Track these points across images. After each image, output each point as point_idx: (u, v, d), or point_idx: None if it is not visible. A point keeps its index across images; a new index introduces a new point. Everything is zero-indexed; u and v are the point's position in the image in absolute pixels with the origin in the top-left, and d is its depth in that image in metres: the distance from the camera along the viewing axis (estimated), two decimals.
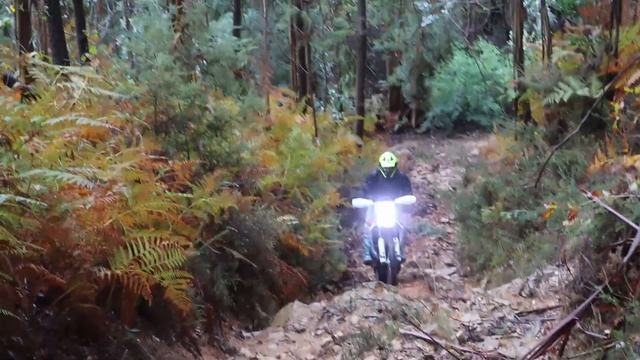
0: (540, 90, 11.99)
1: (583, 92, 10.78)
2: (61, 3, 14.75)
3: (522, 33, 14.81)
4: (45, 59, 9.31)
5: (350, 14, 26.98)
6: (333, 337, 7.19)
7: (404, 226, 12.66)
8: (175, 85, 8.56)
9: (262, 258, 9.00)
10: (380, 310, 7.85)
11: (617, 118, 8.01)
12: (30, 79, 8.00)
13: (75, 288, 4.74)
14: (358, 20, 21.94)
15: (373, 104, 29.97)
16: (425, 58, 26.56)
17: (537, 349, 4.92)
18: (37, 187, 4.86)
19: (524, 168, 11.84)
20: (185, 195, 7.02)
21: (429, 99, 26.89)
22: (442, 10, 25.78)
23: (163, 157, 7.39)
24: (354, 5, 24.84)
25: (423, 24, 25.17)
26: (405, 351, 6.22)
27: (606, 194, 5.47)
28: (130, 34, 14.82)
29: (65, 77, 7.36)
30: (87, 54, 10.41)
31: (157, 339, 6.09)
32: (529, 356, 4.92)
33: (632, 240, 4.68)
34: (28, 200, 4.32)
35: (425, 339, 6.39)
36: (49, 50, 11.45)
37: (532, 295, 7.85)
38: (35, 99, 6.85)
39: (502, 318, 7.12)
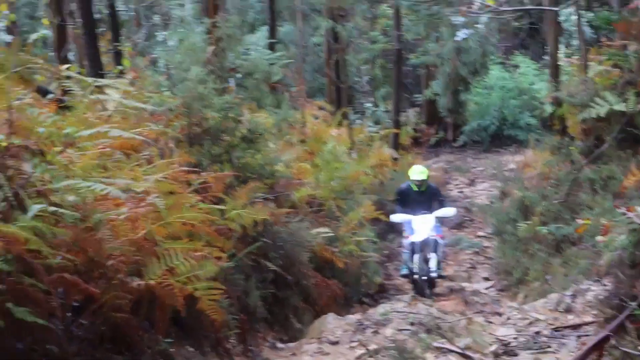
0: (577, 105, 11.88)
1: (620, 107, 10.63)
2: (97, 16, 14.89)
3: (557, 48, 14.77)
4: (79, 72, 9.41)
5: (386, 28, 26.96)
6: (367, 350, 7.15)
7: (443, 243, 12.37)
8: (209, 97, 8.61)
9: (297, 270, 9.00)
10: (413, 324, 7.81)
11: None
12: (65, 91, 8.08)
13: (109, 298, 4.76)
14: (394, 34, 21.96)
15: (409, 117, 29.88)
16: (461, 72, 26.40)
17: None
18: (71, 197, 4.90)
19: (560, 183, 11.73)
20: (218, 207, 7.03)
21: (465, 112, 26.72)
22: (477, 25, 25.65)
23: (197, 169, 7.43)
24: (389, 19, 24.81)
25: (457, 38, 25.03)
26: None
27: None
28: (166, 47, 14.95)
29: (100, 90, 7.43)
30: (120, 67, 10.50)
31: (191, 349, 6.11)
32: None
33: None
34: (61, 210, 4.35)
35: (459, 353, 6.34)
36: (85, 62, 11.58)
37: (568, 310, 7.78)
38: (70, 110, 6.92)
39: (537, 333, 7.05)
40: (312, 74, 28.60)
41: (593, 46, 15.24)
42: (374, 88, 30.84)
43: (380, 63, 30.17)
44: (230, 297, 6.96)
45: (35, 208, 4.13)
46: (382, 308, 8.69)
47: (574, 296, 7.92)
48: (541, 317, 7.63)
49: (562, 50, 19.96)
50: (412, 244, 11.72)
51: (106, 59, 14.16)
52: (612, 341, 4.69)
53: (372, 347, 7.23)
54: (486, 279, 13.52)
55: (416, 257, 11.57)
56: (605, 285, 5.93)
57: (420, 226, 11.74)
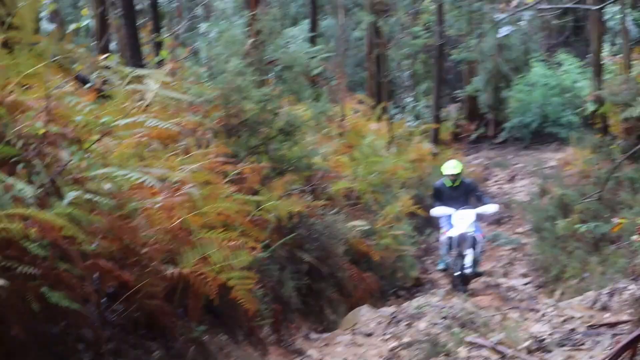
0: (619, 104, 11.79)
1: None
2: (139, 7, 15.04)
3: (601, 46, 14.64)
4: (117, 61, 9.51)
5: (428, 24, 26.84)
6: (400, 342, 7.16)
7: (482, 238, 12.11)
8: (247, 89, 8.65)
9: (332, 262, 9.03)
10: (444, 317, 7.79)
11: None
12: (104, 81, 8.17)
13: (143, 285, 4.81)
14: (436, 30, 21.88)
15: (450, 113, 29.80)
16: (502, 69, 26.25)
17: None
18: (107, 185, 4.96)
19: (599, 181, 11.62)
20: (254, 198, 7.07)
21: (506, 109, 26.53)
22: (520, 22, 25.49)
23: (233, 160, 7.47)
24: (432, 14, 24.71)
25: (499, 35, 24.87)
26: (471, 359, 6.17)
27: None
28: (206, 39, 15.05)
29: (138, 80, 7.50)
30: (158, 58, 10.59)
31: (225, 338, 6.16)
32: None
33: None
34: (97, 198, 4.40)
35: (491, 348, 6.33)
36: (126, 52, 11.70)
37: (604, 308, 7.73)
38: (108, 100, 6.99)
39: (572, 330, 7.01)
40: (353, 68, 28.64)
41: (637, 45, 15.10)
42: (415, 83, 30.75)
43: (422, 58, 30.07)
44: (265, 287, 7.02)
45: (71, 195, 4.18)
46: (417, 302, 8.67)
47: (610, 294, 7.85)
48: (577, 314, 7.58)
49: (606, 48, 19.79)
50: (449, 238, 11.60)
51: (147, 50, 14.31)
52: None
53: (405, 339, 7.23)
54: (524, 275, 13.42)
55: (452, 252, 11.50)
56: None
57: (459, 221, 11.56)
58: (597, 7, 13.56)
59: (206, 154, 7.04)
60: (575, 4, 17.22)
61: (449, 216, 11.78)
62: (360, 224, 10.32)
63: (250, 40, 9.97)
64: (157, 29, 12.69)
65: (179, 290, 5.31)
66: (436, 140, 21.93)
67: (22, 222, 3.67)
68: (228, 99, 8.62)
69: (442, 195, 12.12)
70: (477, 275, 11.77)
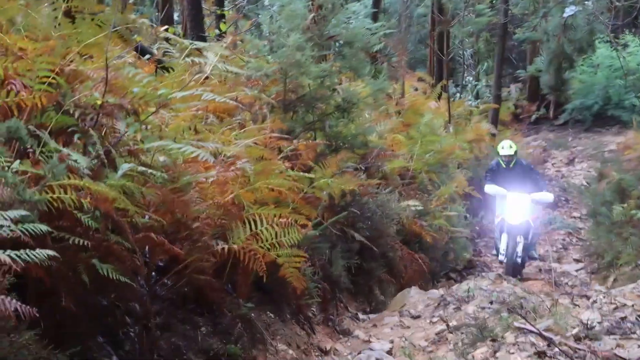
0: None
1: None
2: None
3: None
4: (175, 33, 9.52)
5: (493, 2, 26.51)
6: (447, 326, 7.12)
7: (536, 224, 11.80)
8: (306, 65, 8.60)
9: (384, 242, 8.99)
10: (495, 302, 7.72)
11: None
12: (164, 52, 8.20)
13: (193, 259, 4.83)
14: (500, 8, 21.59)
15: (511, 93, 29.53)
16: (566, 49, 25.83)
17: None
18: (162, 158, 4.98)
19: None
20: (307, 175, 7.05)
21: (568, 90, 26.15)
22: (586, 2, 25.05)
23: (288, 136, 7.46)
24: None
25: (565, 15, 24.47)
26: (518, 345, 6.09)
27: None
28: (269, 12, 15.04)
29: (198, 52, 7.51)
30: (217, 30, 10.59)
31: (272, 315, 6.18)
32: None
33: None
34: (150, 170, 4.41)
35: (539, 334, 6.25)
36: (188, 24, 11.71)
37: None
38: (168, 71, 7.02)
39: (623, 318, 6.88)
40: (415, 45, 28.47)
41: None
42: (477, 62, 30.49)
43: (485, 37, 29.80)
44: (314, 266, 7.02)
45: (125, 167, 4.19)
46: (466, 285, 8.61)
47: None
48: (629, 302, 7.44)
49: None
50: (502, 223, 11.35)
51: (210, 22, 14.34)
52: None
53: (453, 323, 7.18)
54: (577, 260, 13.26)
55: (504, 238, 11.20)
56: None
57: (514, 206, 11.19)
58: None
59: (261, 129, 7.04)
60: None
61: (503, 198, 11.45)
62: (413, 204, 10.25)
63: (311, 15, 9.90)
64: (220, 1, 12.69)
65: (228, 266, 5.32)
66: (496, 120, 21.72)
67: (76, 193, 3.69)
68: (286, 74, 8.58)
69: (497, 176, 11.77)
70: (531, 259, 11.60)
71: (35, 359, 3.30)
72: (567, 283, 11.11)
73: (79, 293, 3.75)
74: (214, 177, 5.25)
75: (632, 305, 7.26)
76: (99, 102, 4.62)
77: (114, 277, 3.85)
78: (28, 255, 2.98)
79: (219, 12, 12.65)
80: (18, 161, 3.64)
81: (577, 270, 12.38)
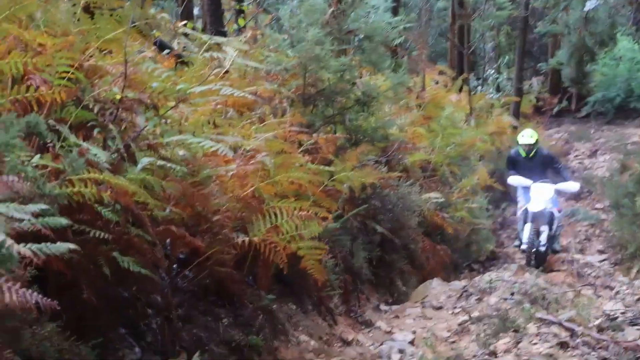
0: None
1: None
2: None
3: None
4: (193, 28, 9.56)
5: None
6: (470, 317, 7.12)
7: (560, 216, 11.49)
8: (325, 59, 8.61)
9: (405, 233, 9.01)
10: (516, 293, 7.71)
11: None
12: (184, 47, 8.24)
13: (214, 252, 4.85)
14: (521, 1, 21.52)
15: (533, 86, 29.44)
16: (587, 42, 25.71)
17: None
18: (181, 152, 5.01)
19: None
20: (327, 168, 7.06)
21: (590, 83, 26.01)
22: None
23: (308, 130, 7.47)
24: None
25: (586, 8, 24.35)
26: (540, 335, 6.08)
27: None
28: (289, 6, 15.06)
29: (217, 47, 7.55)
30: (235, 26, 10.61)
31: (293, 307, 6.20)
32: None
33: None
34: (170, 164, 4.44)
35: (561, 325, 6.24)
36: (207, 19, 11.73)
37: None
38: (188, 66, 7.05)
39: None
40: (436, 39, 28.43)
41: None
42: (498, 55, 30.40)
43: (506, 30, 29.70)
44: (336, 258, 7.03)
45: (144, 161, 4.22)
46: (488, 276, 8.62)
47: None
48: None
49: None
50: (525, 212, 11.09)
51: (230, 16, 14.38)
52: None
53: (475, 314, 7.18)
54: (600, 251, 13.19)
55: (527, 227, 10.89)
56: None
57: (537, 195, 10.93)
58: None
59: (281, 123, 7.06)
60: None
61: (527, 188, 11.23)
62: (435, 196, 10.26)
63: (331, 10, 9.92)
64: None
65: (249, 258, 5.34)
66: (517, 113, 21.65)
67: (96, 187, 3.72)
68: (306, 68, 8.59)
69: (517, 165, 11.50)
70: (553, 252, 11.37)
71: (57, 351, 3.33)
72: (590, 274, 11.04)
73: (100, 285, 3.78)
74: (234, 171, 5.28)
75: None
76: (118, 97, 4.65)
77: (135, 270, 3.88)
78: (49, 249, 3.00)
79: (237, 7, 12.69)
80: (38, 155, 3.68)
81: (600, 262, 12.31)
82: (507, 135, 18.52)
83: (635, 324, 6.39)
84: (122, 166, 4.25)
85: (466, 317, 7.17)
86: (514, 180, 11.31)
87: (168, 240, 4.71)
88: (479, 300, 7.78)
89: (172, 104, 5.06)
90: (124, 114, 4.75)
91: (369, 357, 6.34)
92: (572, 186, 11.29)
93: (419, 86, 16.95)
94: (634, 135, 20.84)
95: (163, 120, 5.07)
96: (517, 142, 11.66)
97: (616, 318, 6.56)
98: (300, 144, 7.10)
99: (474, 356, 6.09)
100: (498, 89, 26.51)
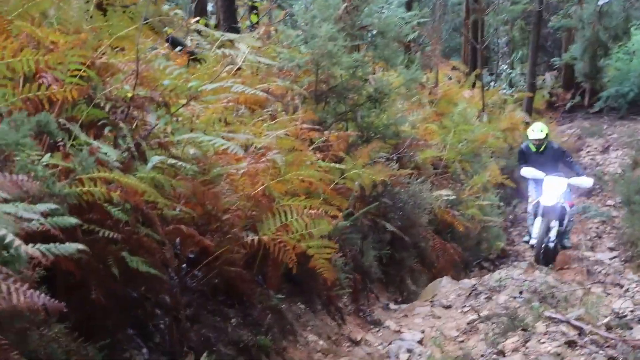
0: None
1: None
2: None
3: None
4: (207, 24, 9.54)
5: None
6: (479, 316, 7.11)
7: (572, 212, 11.25)
8: (338, 55, 8.59)
9: (415, 231, 9.00)
10: (526, 292, 7.69)
11: None
12: (197, 44, 8.23)
13: (224, 251, 4.84)
14: None
15: (546, 81, 29.34)
16: (601, 37, 25.60)
17: None
18: (192, 150, 5.00)
19: None
20: (338, 165, 7.04)
21: (603, 78, 25.91)
22: None
23: (320, 127, 7.46)
24: None
25: (600, 2, 24.25)
26: (549, 334, 6.07)
27: None
28: (303, 2, 15.04)
29: (230, 43, 7.53)
30: (249, 22, 10.59)
31: (302, 306, 6.19)
32: None
33: None
34: (180, 163, 4.43)
35: (570, 323, 6.22)
36: (221, 15, 11.72)
37: None
38: (200, 63, 7.04)
39: None
40: (450, 34, 28.37)
41: None
42: (512, 50, 30.31)
43: (520, 25, 29.60)
44: (345, 256, 7.02)
45: (154, 160, 4.21)
46: (498, 274, 8.60)
47: None
48: None
49: None
50: (537, 205, 10.93)
51: (244, 12, 14.36)
52: None
53: (484, 313, 7.18)
54: (611, 249, 13.15)
55: (538, 221, 10.75)
56: None
57: (550, 189, 10.72)
58: None
59: (293, 120, 7.05)
60: None
61: (538, 182, 11.05)
62: (446, 194, 10.24)
63: (344, 5, 9.88)
64: None
65: (258, 257, 5.34)
66: (530, 108, 21.62)
67: (106, 186, 3.72)
68: (318, 65, 8.57)
69: (528, 160, 11.30)
70: (563, 248, 11.24)
71: (65, 352, 3.33)
72: (600, 272, 10.98)
73: (109, 285, 3.77)
74: (245, 169, 5.27)
75: None
76: (129, 95, 4.65)
77: (144, 270, 3.87)
78: (57, 249, 3.00)
79: (250, 3, 12.67)
80: (48, 154, 3.67)
81: (610, 259, 12.27)
82: (519, 131, 18.45)
83: None
84: (133, 165, 4.24)
85: (475, 316, 7.16)
86: (527, 172, 11.05)
87: (178, 240, 4.70)
88: (488, 298, 7.77)
89: (184, 101, 5.05)
90: (135, 112, 4.75)
91: (377, 357, 6.34)
92: (586, 182, 11.08)
93: (432, 82, 16.91)
94: None
95: (174, 118, 5.06)
96: (527, 136, 11.46)
97: (625, 316, 6.55)
98: (311, 142, 7.09)
99: (482, 355, 6.09)
100: (511, 85, 26.45)
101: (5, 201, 2.94)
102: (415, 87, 11.86)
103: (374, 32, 10.76)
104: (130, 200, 3.91)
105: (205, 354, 4.12)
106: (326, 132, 7.53)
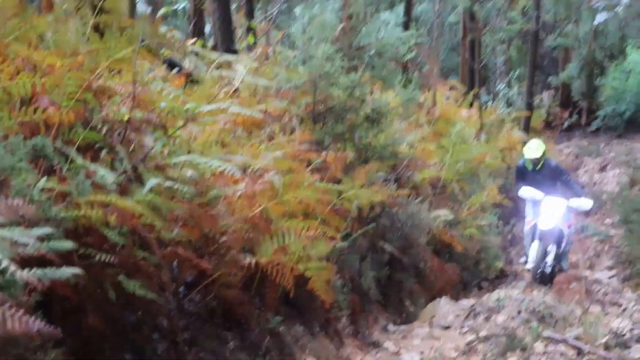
0: None
1: None
2: None
3: None
4: (203, 46, 9.56)
5: (525, 9, 26.41)
6: (477, 336, 7.08)
7: (569, 233, 11.00)
8: (335, 75, 8.60)
9: (414, 252, 8.96)
10: (524, 312, 7.66)
11: None
12: (195, 66, 8.25)
13: (221, 274, 4.82)
14: (533, 15, 21.50)
15: (543, 100, 29.43)
16: (597, 56, 25.75)
17: None
18: (189, 172, 4.99)
19: None
20: (336, 186, 7.02)
21: (600, 97, 26.02)
22: (617, 9, 24.93)
23: (318, 148, 7.45)
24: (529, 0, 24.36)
25: (596, 22, 24.37)
26: (548, 354, 6.07)
27: None
28: (300, 23, 15.09)
29: (227, 65, 7.54)
30: (246, 43, 10.62)
31: (301, 328, 6.16)
32: None
33: None
34: (177, 185, 4.41)
35: (569, 343, 6.21)
36: (218, 37, 11.74)
37: None
38: (197, 85, 7.06)
39: None
40: (448, 53, 28.47)
41: None
42: (509, 69, 30.43)
43: (517, 44, 29.71)
44: (344, 278, 6.99)
45: (151, 182, 4.19)
46: (497, 294, 8.56)
47: None
48: None
49: None
50: (534, 228, 10.73)
51: (241, 33, 14.40)
52: None
53: (483, 333, 7.15)
54: (610, 267, 13.12)
55: (535, 245, 10.55)
56: None
57: (548, 211, 10.51)
58: None
59: (290, 141, 7.05)
60: None
61: (536, 202, 10.81)
62: (444, 214, 10.20)
63: (341, 26, 9.91)
64: (250, 12, 12.73)
65: (256, 279, 5.32)
66: (527, 128, 21.63)
67: (102, 209, 3.70)
68: (316, 85, 8.57)
69: (525, 178, 11.07)
70: (561, 270, 10.95)
71: None
72: (599, 291, 10.94)
73: (106, 310, 3.76)
74: (242, 191, 5.26)
75: None
76: (126, 117, 4.64)
77: (141, 294, 3.85)
78: (53, 273, 2.98)
79: (249, 25, 12.71)
80: (44, 178, 3.66)
81: (609, 278, 12.24)
82: (517, 151, 18.44)
83: None
84: (130, 188, 4.23)
85: (474, 337, 7.13)
86: (525, 192, 10.90)
87: (175, 263, 4.68)
88: (487, 319, 7.74)
89: (181, 123, 5.05)
90: (132, 135, 4.75)
91: None
92: (586, 204, 10.78)
93: (430, 102, 16.93)
94: None
95: (171, 141, 5.05)
96: (524, 154, 11.20)
97: (623, 335, 6.53)
98: (309, 162, 7.07)
99: None
100: (509, 104, 26.51)
101: (1, 225, 2.93)
102: (413, 107, 11.88)
103: (372, 52, 10.78)
104: (127, 224, 3.90)
105: None
106: (324, 153, 7.52)
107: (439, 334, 7.60)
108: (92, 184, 3.85)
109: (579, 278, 11.48)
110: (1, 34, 4.58)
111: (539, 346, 6.33)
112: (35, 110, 3.99)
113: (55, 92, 4.21)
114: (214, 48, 10.56)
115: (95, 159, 4.33)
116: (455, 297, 9.44)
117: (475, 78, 21.77)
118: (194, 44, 8.70)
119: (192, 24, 11.86)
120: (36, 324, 2.71)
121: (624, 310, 7.69)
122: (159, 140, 4.85)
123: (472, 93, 20.20)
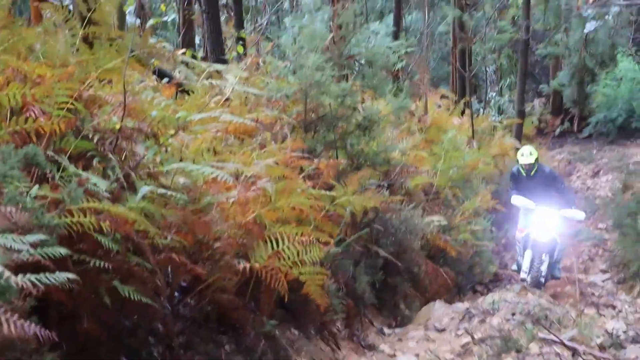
0: None
1: None
2: (223, 1, 15.16)
3: None
4: (194, 56, 9.60)
5: (514, 18, 26.53)
6: (472, 338, 7.10)
7: (562, 241, 10.95)
8: (326, 84, 8.64)
9: (408, 257, 8.98)
10: (520, 314, 7.69)
11: None
12: (185, 75, 8.28)
13: (216, 279, 4.85)
14: (522, 24, 21.59)
15: (535, 107, 29.56)
16: (588, 63, 25.91)
17: None
18: (182, 180, 5.03)
19: None
20: (328, 193, 7.06)
21: (591, 104, 26.19)
22: (607, 17, 25.10)
23: (310, 155, 7.49)
24: (519, 8, 24.46)
25: (586, 30, 24.53)
26: (543, 355, 6.08)
27: None
28: (290, 33, 15.17)
29: (217, 75, 7.59)
30: (235, 53, 10.67)
31: (296, 332, 6.18)
32: None
33: None
34: (170, 192, 4.45)
35: (563, 344, 6.24)
36: (208, 47, 11.77)
37: None
38: (188, 94, 7.10)
39: None
40: (438, 62, 28.58)
41: None
42: (499, 77, 30.56)
43: (507, 53, 29.85)
44: (338, 282, 7.02)
45: (144, 190, 4.23)
46: (491, 297, 8.59)
47: None
48: None
49: None
50: (527, 238, 10.75)
51: (231, 44, 14.46)
52: None
53: (478, 335, 7.16)
54: (603, 271, 13.20)
55: (527, 255, 10.57)
56: None
57: (540, 222, 10.50)
58: None
59: (282, 149, 7.08)
60: None
61: (529, 211, 10.78)
62: (437, 219, 10.22)
63: (331, 35, 9.97)
64: (240, 23, 12.77)
65: (251, 284, 5.34)
66: (520, 135, 21.68)
67: (95, 216, 3.73)
68: (307, 94, 8.62)
69: (519, 184, 11.11)
70: (553, 278, 10.98)
71: None
72: (593, 293, 10.98)
73: (101, 315, 3.78)
74: (235, 197, 5.29)
75: None
76: (117, 126, 4.68)
77: (136, 299, 3.88)
78: (48, 279, 3.01)
79: (237, 34, 12.74)
80: (37, 186, 3.69)
81: (603, 281, 12.32)
82: (509, 157, 18.53)
83: (637, 342, 6.41)
84: (122, 195, 4.26)
85: (469, 339, 7.15)
86: (517, 201, 10.88)
87: (169, 268, 4.71)
88: (482, 321, 7.75)
89: (172, 132, 5.08)
90: (123, 143, 4.79)
91: None
92: (578, 215, 10.75)
93: (421, 110, 17.01)
94: (635, 155, 21.00)
95: (163, 149, 5.09)
96: (517, 160, 11.24)
97: (618, 336, 6.57)
98: (301, 170, 7.11)
99: None
100: (500, 111, 26.63)
101: None
102: (404, 115, 11.92)
103: (362, 61, 10.85)
104: (121, 230, 3.92)
105: None
106: (316, 160, 7.56)
107: (434, 337, 7.62)
108: (85, 191, 3.87)
109: (573, 281, 11.52)
110: None
111: (534, 347, 6.35)
112: (26, 120, 4.02)
113: (46, 102, 4.25)
114: (204, 58, 10.62)
115: (87, 167, 4.37)
116: (450, 301, 9.47)
117: (466, 86, 21.84)
118: (183, 54, 8.73)
119: (181, 35, 11.89)
120: (32, 327, 2.75)
121: (619, 312, 7.72)
122: (151, 148, 4.88)
123: (463, 101, 20.27)
